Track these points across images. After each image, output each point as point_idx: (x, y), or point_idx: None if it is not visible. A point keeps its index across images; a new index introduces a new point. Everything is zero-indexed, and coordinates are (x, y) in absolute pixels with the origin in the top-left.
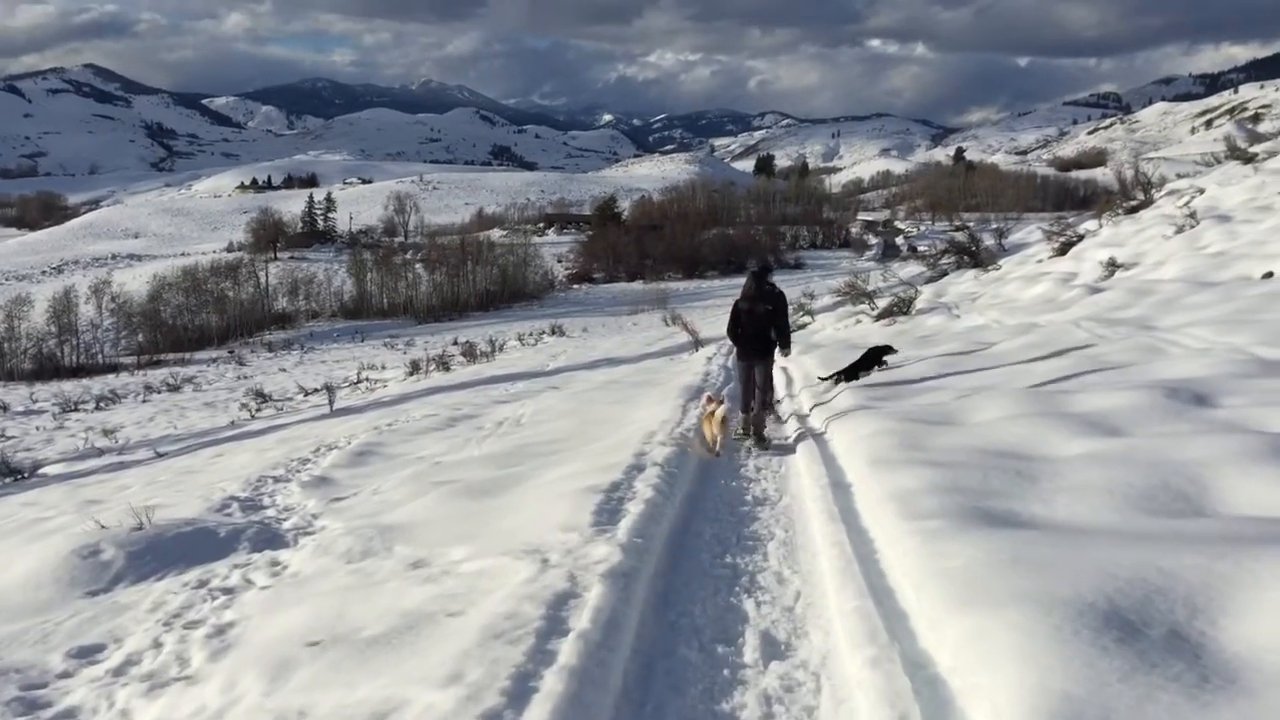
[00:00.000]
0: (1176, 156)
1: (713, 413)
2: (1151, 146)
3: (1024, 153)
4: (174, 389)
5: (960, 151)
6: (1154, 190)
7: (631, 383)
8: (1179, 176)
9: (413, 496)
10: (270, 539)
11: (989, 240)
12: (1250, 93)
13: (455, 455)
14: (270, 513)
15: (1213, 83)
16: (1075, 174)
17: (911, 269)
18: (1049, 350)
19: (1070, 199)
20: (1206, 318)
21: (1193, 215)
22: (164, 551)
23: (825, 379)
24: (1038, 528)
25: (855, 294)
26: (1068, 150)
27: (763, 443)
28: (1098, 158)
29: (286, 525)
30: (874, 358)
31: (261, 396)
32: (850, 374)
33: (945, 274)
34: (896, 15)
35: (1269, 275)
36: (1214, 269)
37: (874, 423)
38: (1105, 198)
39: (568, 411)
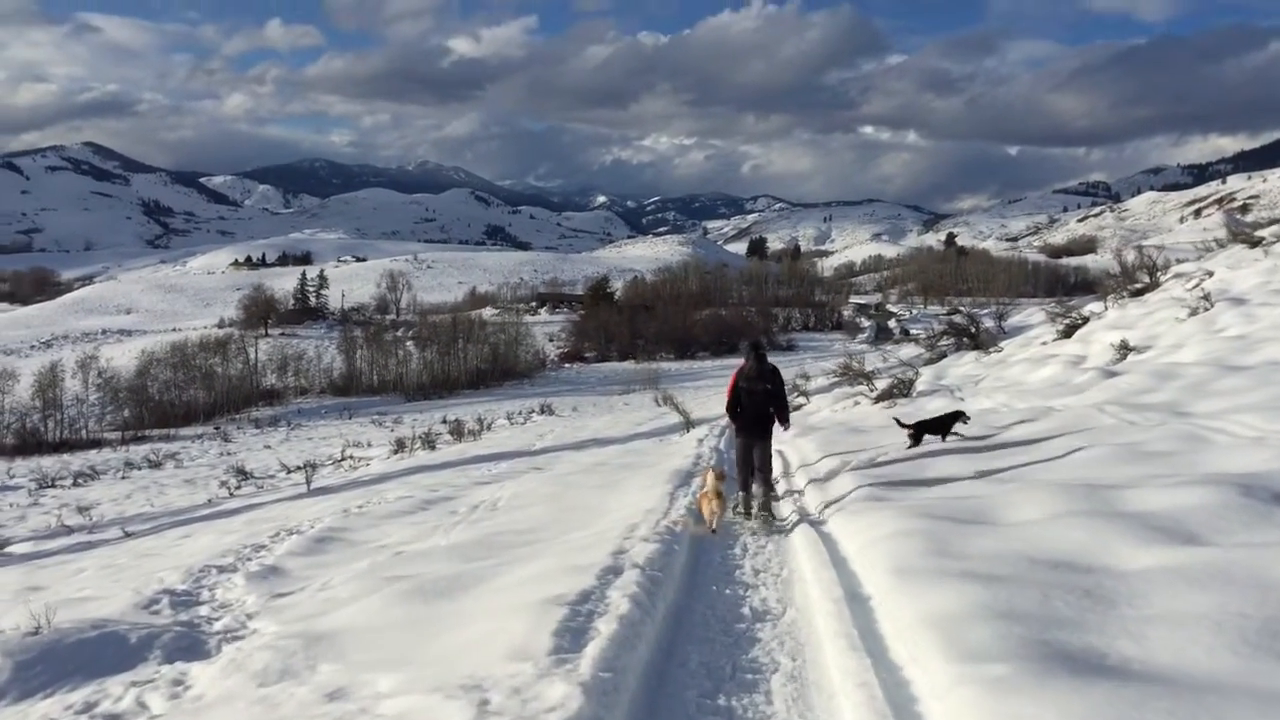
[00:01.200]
0: (1168, 245)
1: (715, 491)
2: (1141, 235)
3: (1014, 239)
4: (155, 465)
5: (951, 237)
6: (1159, 273)
7: (618, 465)
8: (1177, 261)
9: (361, 594)
10: (188, 647)
11: (988, 322)
12: (1238, 183)
13: (420, 544)
14: (203, 611)
15: (1201, 173)
16: (1066, 260)
17: (908, 351)
18: (1076, 436)
19: (1061, 285)
20: (1248, 404)
21: (1206, 298)
22: (60, 661)
23: (904, 427)
24: (1139, 678)
25: (852, 375)
26: (1058, 237)
27: (766, 522)
28: (1088, 245)
29: (215, 628)
30: (950, 421)
31: (242, 474)
32: (924, 430)
33: (944, 356)
34: (889, 103)
35: None
36: (1237, 353)
37: (891, 518)
38: (1108, 281)
39: (548, 496)
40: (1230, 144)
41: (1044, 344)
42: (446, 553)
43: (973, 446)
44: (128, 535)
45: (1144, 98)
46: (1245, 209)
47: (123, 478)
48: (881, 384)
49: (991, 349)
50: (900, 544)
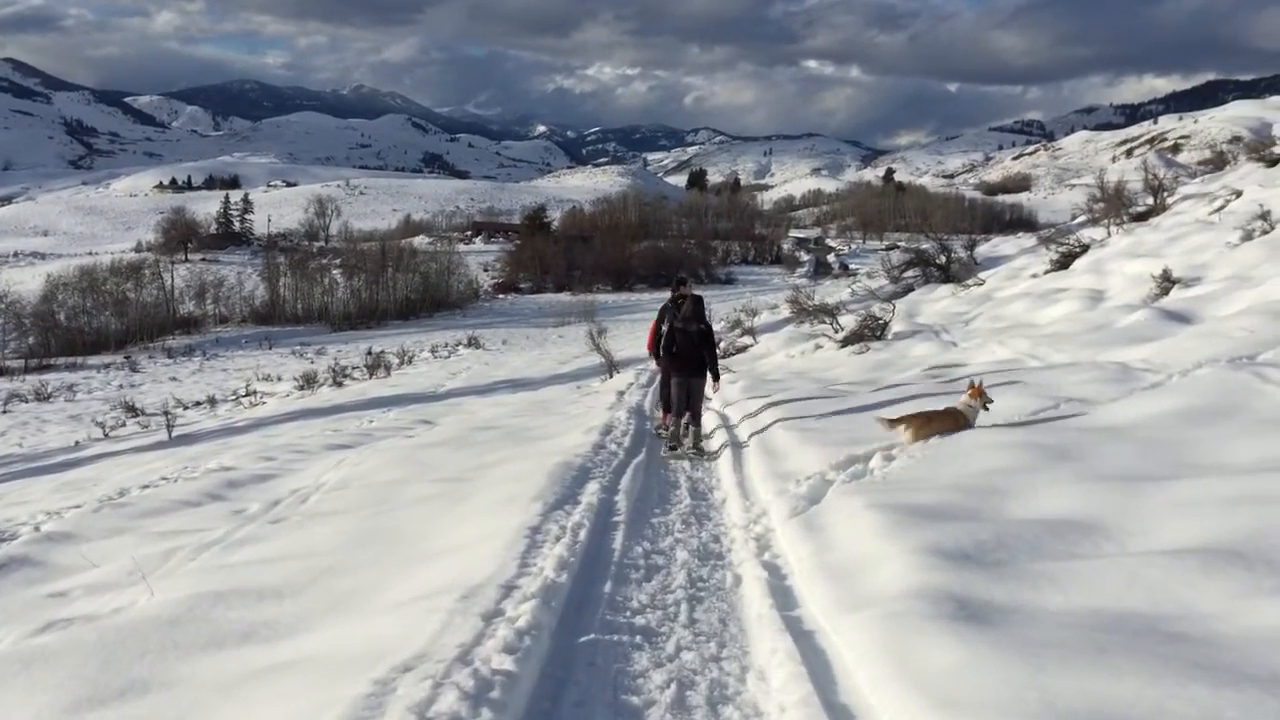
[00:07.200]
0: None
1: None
2: (1074, 173)
3: (951, 176)
4: (44, 398)
5: (890, 172)
6: (1165, 195)
7: (509, 430)
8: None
9: None
10: None
11: (960, 252)
12: (1169, 124)
13: (106, 598)
14: None
15: (1133, 113)
16: (1001, 198)
17: (864, 284)
18: (1262, 433)
19: (997, 222)
20: None
21: (1264, 217)
22: None
23: None
24: None
25: (813, 311)
26: (993, 175)
27: (698, 456)
28: (1022, 182)
29: None
30: None
31: (131, 410)
32: None
33: (910, 289)
34: (834, 37)
35: None
36: None
37: None
38: (1094, 206)
39: (379, 492)
40: (1164, 85)
41: (1035, 276)
42: (93, 655)
43: (1050, 440)
44: None
45: (1083, 36)
46: (1176, 149)
47: (4, 411)
48: (847, 322)
49: (969, 281)
50: None
